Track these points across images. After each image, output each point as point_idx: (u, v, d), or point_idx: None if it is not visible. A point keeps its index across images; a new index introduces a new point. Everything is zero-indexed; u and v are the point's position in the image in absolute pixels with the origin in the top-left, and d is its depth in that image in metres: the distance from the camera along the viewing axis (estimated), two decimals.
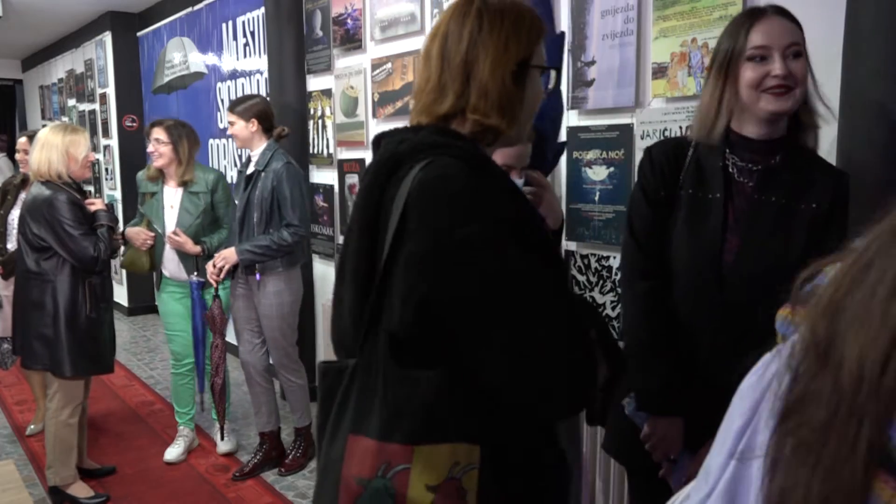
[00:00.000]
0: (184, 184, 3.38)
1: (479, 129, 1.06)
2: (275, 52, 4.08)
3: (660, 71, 2.27)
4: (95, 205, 3.04)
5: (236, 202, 3.24)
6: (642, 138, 2.32)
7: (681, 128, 2.21)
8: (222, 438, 3.58)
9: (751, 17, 1.45)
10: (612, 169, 2.44)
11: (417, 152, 1.00)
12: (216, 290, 3.20)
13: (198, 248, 3.34)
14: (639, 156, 2.34)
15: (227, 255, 3.11)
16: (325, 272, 4.19)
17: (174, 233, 3.32)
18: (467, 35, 1.06)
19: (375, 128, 3.63)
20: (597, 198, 2.49)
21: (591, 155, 2.49)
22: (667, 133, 2.25)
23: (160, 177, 3.45)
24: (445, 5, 3.10)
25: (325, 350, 4.16)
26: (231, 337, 3.72)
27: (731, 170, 1.48)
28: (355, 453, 0.97)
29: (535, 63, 1.08)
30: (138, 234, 3.38)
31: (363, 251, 1.02)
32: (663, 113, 2.26)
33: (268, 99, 3.37)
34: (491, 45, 1.05)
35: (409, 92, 3.35)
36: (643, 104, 2.35)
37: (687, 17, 2.19)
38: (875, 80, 1.65)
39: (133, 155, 6.53)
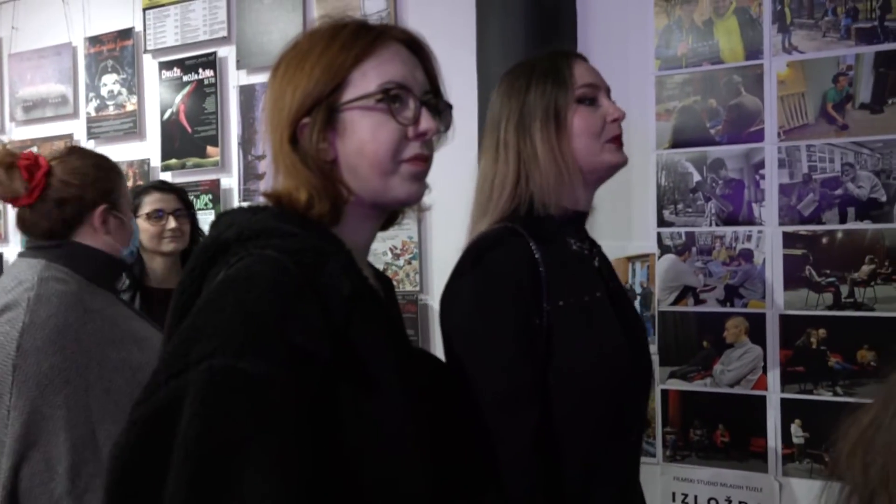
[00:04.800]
0: None
1: (312, 206, 0.82)
2: None
3: None
4: None
5: None
6: None
7: None
8: None
9: (561, 54, 1.13)
10: None
11: (244, 239, 0.78)
12: None
13: None
14: None
15: None
16: None
17: None
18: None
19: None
20: None
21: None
22: None
23: None
24: (104, 90, 2.91)
25: None
26: None
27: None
28: None
29: (350, 97, 0.82)
30: None
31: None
32: None
33: None
34: (269, 105, 0.86)
35: None
36: None
37: None
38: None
39: None
